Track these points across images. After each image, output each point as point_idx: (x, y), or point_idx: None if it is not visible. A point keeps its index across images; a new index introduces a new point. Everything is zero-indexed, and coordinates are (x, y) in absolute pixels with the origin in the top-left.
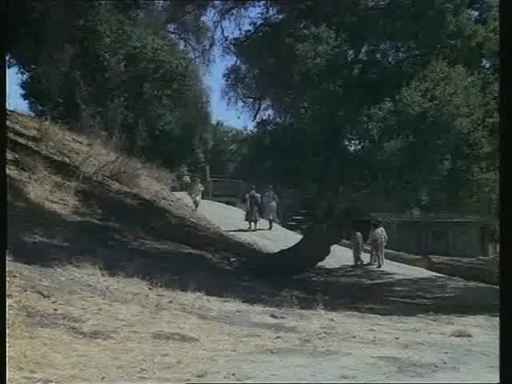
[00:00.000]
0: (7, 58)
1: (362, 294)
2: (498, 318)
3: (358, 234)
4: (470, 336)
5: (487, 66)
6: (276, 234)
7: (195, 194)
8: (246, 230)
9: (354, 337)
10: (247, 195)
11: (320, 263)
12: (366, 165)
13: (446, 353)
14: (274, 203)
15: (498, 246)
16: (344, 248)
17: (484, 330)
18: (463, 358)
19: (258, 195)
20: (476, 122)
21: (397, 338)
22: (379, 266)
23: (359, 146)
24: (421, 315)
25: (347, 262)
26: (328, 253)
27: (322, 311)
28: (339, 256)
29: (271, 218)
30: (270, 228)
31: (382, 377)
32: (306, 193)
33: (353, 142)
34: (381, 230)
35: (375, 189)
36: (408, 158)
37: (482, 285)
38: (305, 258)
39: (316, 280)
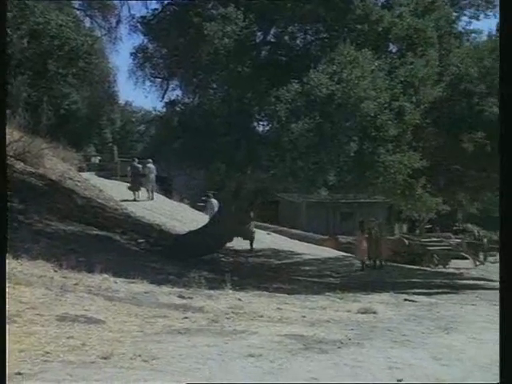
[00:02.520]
0: None
1: (270, 274)
2: (402, 295)
3: None
4: (375, 313)
5: (394, 50)
6: (184, 215)
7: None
8: (131, 200)
9: (262, 316)
10: (129, 167)
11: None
12: (274, 146)
13: (352, 329)
14: (152, 175)
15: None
16: None
17: (389, 307)
18: (368, 334)
19: (140, 166)
20: (382, 105)
21: (303, 317)
22: None
23: (267, 127)
24: (328, 294)
25: None
26: (237, 233)
27: (230, 291)
28: None
29: (150, 187)
30: (151, 198)
31: (287, 354)
32: (214, 173)
33: (261, 123)
34: (214, 201)
35: (283, 170)
36: (315, 140)
37: (388, 264)
38: (213, 238)
39: (225, 260)
